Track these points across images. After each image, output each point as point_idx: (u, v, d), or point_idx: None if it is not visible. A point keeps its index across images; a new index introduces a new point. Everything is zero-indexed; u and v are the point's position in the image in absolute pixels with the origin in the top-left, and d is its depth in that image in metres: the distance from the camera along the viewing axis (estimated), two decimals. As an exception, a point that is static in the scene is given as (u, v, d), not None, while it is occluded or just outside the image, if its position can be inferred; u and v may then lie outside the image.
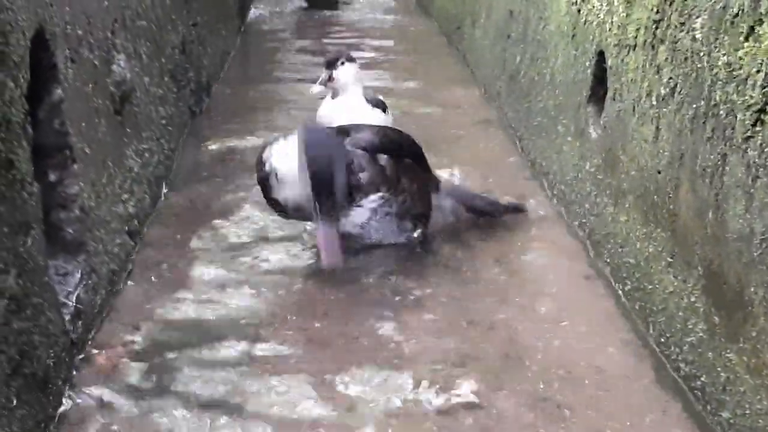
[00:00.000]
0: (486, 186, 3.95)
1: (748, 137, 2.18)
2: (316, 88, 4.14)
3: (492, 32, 5.29)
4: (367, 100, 4.13)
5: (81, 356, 2.66)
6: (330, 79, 4.09)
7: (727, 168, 2.30)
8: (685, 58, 2.57)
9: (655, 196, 2.79)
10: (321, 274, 3.23)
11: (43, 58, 2.58)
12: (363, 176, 3.15)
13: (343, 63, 4.08)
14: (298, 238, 3.51)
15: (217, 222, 3.65)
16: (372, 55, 6.48)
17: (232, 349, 2.79)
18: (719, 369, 2.34)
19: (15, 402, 2.13)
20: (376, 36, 7.06)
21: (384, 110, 4.16)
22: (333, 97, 4.11)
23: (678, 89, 2.63)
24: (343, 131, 3.24)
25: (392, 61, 6.28)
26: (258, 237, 3.55)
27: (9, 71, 2.23)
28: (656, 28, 2.80)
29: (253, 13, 7.58)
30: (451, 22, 6.65)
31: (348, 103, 4.04)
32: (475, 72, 5.71)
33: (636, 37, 2.96)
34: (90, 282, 2.78)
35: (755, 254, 2.15)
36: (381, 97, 4.29)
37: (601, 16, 3.31)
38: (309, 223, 3.34)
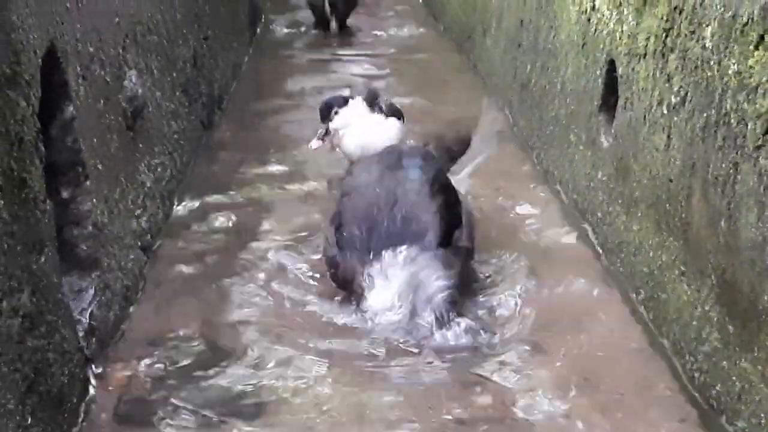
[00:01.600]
0: (498, 195, 3.94)
1: (760, 146, 2.18)
2: (315, 144, 4.07)
3: (503, 41, 5.29)
4: (382, 109, 4.10)
5: (96, 373, 2.66)
6: (326, 133, 4.03)
7: (739, 177, 2.29)
8: (696, 67, 2.57)
9: (667, 205, 2.79)
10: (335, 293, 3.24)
11: (54, 76, 2.60)
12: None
13: (336, 112, 4.01)
14: (314, 250, 3.52)
15: (230, 235, 3.66)
16: (383, 65, 6.48)
17: (245, 364, 2.79)
18: (734, 378, 2.33)
19: (30, 420, 2.13)
20: (386, 46, 7.06)
21: (399, 117, 4.15)
22: (334, 149, 4.09)
23: (689, 98, 2.62)
24: None
25: (403, 71, 6.28)
26: (272, 248, 3.54)
27: (21, 90, 2.25)
28: (666, 36, 2.79)
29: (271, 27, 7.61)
30: (463, 32, 6.65)
31: (361, 125, 4.03)
32: (486, 81, 5.71)
33: (646, 46, 2.95)
34: (104, 298, 2.79)
35: (768, 263, 2.14)
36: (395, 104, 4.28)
37: (611, 25, 3.31)
38: None
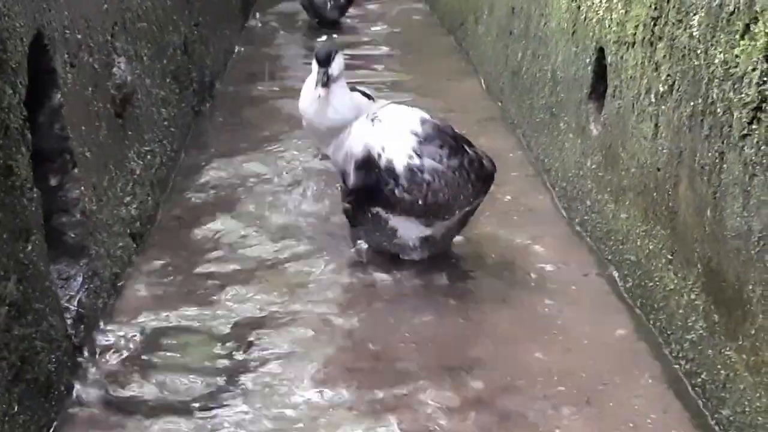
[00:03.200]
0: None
1: (745, 135, 2.19)
2: (322, 92, 4.05)
3: (494, 29, 5.29)
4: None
5: (83, 360, 2.67)
6: (328, 78, 3.96)
7: (725, 166, 2.30)
8: (683, 56, 2.57)
9: (655, 194, 2.79)
10: (332, 269, 3.28)
11: (42, 63, 2.59)
12: None
13: (334, 58, 3.94)
14: (300, 232, 3.52)
15: (220, 222, 3.66)
16: (375, 50, 6.47)
17: (235, 350, 2.80)
18: (719, 366, 2.34)
19: (17, 408, 2.14)
20: (379, 30, 7.06)
21: (370, 98, 4.13)
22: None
23: (676, 87, 2.63)
24: None
25: (395, 57, 6.27)
26: (261, 235, 3.55)
27: (7, 77, 2.24)
28: (654, 25, 2.80)
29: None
30: (455, 18, 6.64)
31: (336, 94, 4.01)
32: (478, 68, 5.71)
33: (635, 34, 2.96)
34: (92, 286, 2.80)
35: (753, 252, 2.15)
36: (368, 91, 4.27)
37: (601, 12, 3.31)
38: None
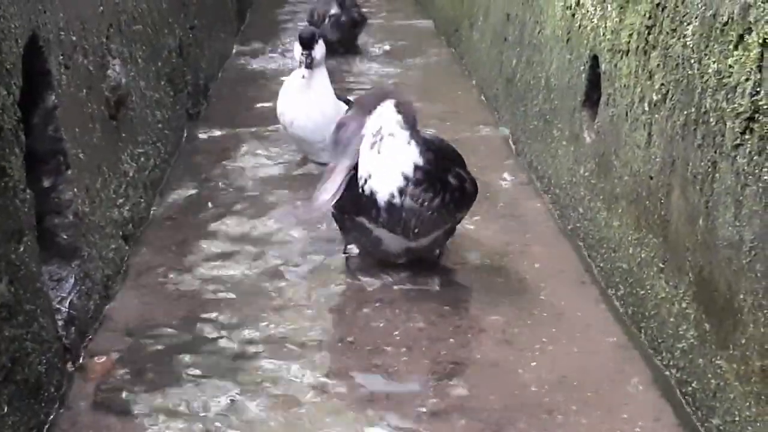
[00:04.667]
0: (481, 189, 3.94)
1: (738, 145, 2.19)
2: (306, 72, 4.09)
3: (489, 35, 5.29)
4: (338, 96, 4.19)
5: (74, 362, 2.66)
6: (311, 60, 4.06)
7: (717, 175, 2.30)
8: (677, 65, 2.58)
9: (647, 202, 2.80)
10: (322, 274, 3.28)
11: (36, 65, 2.59)
12: None
13: (317, 41, 4.08)
14: (297, 241, 3.53)
15: (213, 226, 3.66)
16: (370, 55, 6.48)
17: (226, 353, 2.80)
18: (710, 375, 2.34)
19: (6, 409, 2.14)
20: (374, 37, 7.05)
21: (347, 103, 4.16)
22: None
23: (670, 95, 2.63)
24: None
25: (390, 63, 6.28)
26: (254, 238, 3.55)
27: (1, 78, 2.25)
28: (648, 33, 2.80)
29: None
30: (450, 25, 6.65)
31: (316, 90, 4.09)
32: (472, 74, 5.72)
33: (629, 43, 2.96)
34: (84, 287, 2.79)
35: (744, 262, 2.16)
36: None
37: (595, 20, 3.31)
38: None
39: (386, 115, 3.09)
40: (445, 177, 3.09)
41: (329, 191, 2.99)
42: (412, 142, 3.06)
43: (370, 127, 3.07)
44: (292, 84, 4.18)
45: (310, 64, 4.04)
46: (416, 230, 3.07)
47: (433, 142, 3.16)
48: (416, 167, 3.04)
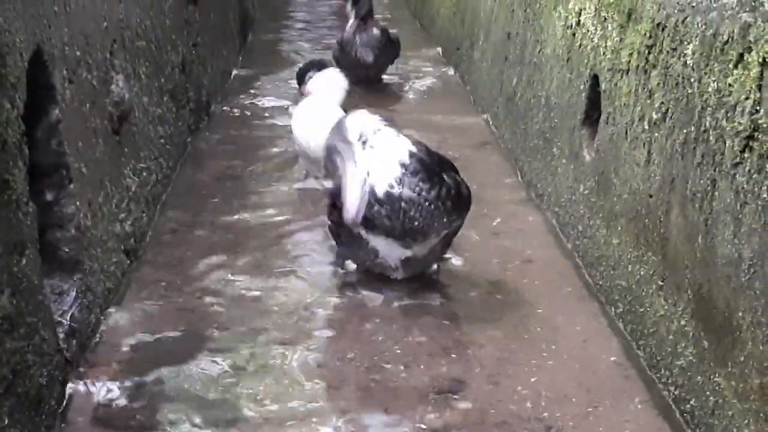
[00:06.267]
0: (481, 206, 3.96)
1: (737, 163, 2.21)
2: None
3: (490, 54, 5.32)
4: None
5: (75, 375, 2.67)
6: (301, 93, 4.34)
7: (717, 193, 2.32)
8: (677, 84, 2.60)
9: (647, 220, 2.81)
10: (322, 289, 3.30)
11: (40, 79, 2.61)
12: None
13: (311, 77, 4.27)
14: (297, 256, 3.54)
15: (215, 241, 3.67)
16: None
17: (226, 368, 2.80)
18: (708, 393, 2.35)
19: (7, 421, 2.14)
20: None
21: None
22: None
23: (669, 114, 2.65)
24: None
25: (391, 82, 6.30)
26: (254, 253, 3.56)
27: (6, 92, 2.26)
28: (648, 53, 2.82)
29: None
30: (451, 44, 6.68)
31: (320, 106, 4.14)
32: (473, 93, 5.74)
33: (629, 62, 2.98)
34: (85, 301, 2.80)
35: (743, 280, 2.17)
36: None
37: (596, 40, 3.34)
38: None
39: (361, 119, 3.19)
40: (440, 171, 3.11)
41: (353, 206, 3.06)
42: (401, 135, 3.14)
43: (352, 136, 3.13)
44: (305, 108, 4.24)
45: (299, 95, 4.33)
46: (416, 224, 3.07)
47: (426, 147, 3.19)
48: (411, 154, 3.08)
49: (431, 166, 3.09)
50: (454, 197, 3.12)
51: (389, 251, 3.17)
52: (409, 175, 3.06)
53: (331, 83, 4.27)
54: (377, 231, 3.11)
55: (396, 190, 3.05)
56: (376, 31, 5.85)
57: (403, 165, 3.06)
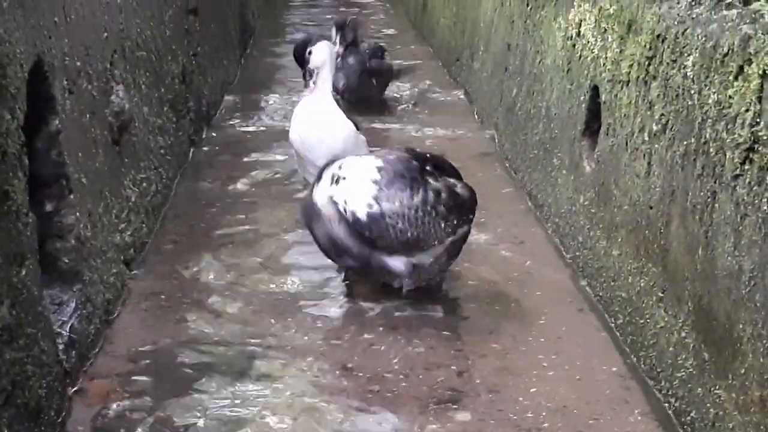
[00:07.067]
0: (481, 217, 3.96)
1: (737, 175, 2.21)
2: (309, 92, 4.01)
3: (490, 64, 5.32)
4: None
5: (74, 386, 2.67)
6: (310, 75, 3.95)
7: (717, 205, 2.32)
8: (677, 95, 2.60)
9: (647, 231, 2.81)
10: (323, 299, 3.31)
11: (41, 89, 2.61)
12: None
13: (310, 52, 3.93)
14: (297, 267, 3.54)
15: (215, 251, 3.67)
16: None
17: (226, 378, 2.80)
18: (708, 405, 2.35)
19: (6, 432, 2.14)
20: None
21: (357, 128, 4.12)
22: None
23: (669, 126, 2.65)
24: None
25: (391, 95, 6.30)
26: (253, 265, 3.56)
27: (6, 103, 2.25)
28: (649, 64, 2.82)
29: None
30: (451, 54, 6.69)
31: (320, 107, 3.97)
32: (473, 104, 5.74)
33: (629, 73, 2.98)
34: (85, 311, 2.80)
35: (744, 292, 2.16)
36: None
37: (596, 51, 3.34)
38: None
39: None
40: (421, 177, 3.09)
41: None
42: (365, 155, 3.16)
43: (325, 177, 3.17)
44: (302, 107, 4.10)
45: (309, 82, 3.95)
46: (409, 234, 3.07)
47: (407, 156, 3.17)
48: (380, 168, 3.08)
49: (408, 174, 3.08)
50: (448, 200, 3.10)
51: (395, 262, 3.15)
52: (384, 189, 3.05)
53: (332, 53, 4.04)
54: (379, 251, 3.12)
55: (376, 209, 3.05)
56: (352, 60, 5.61)
57: (375, 182, 3.06)
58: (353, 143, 3.92)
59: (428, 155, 3.24)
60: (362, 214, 3.06)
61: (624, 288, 2.98)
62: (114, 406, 2.64)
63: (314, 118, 3.92)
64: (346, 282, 3.40)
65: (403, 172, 3.08)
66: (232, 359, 2.91)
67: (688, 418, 2.46)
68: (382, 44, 6.10)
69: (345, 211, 3.07)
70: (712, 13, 2.45)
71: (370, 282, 3.34)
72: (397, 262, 3.16)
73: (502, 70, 4.95)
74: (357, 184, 3.09)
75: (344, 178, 3.12)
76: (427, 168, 3.15)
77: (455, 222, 3.14)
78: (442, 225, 3.11)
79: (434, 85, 6.46)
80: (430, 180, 3.11)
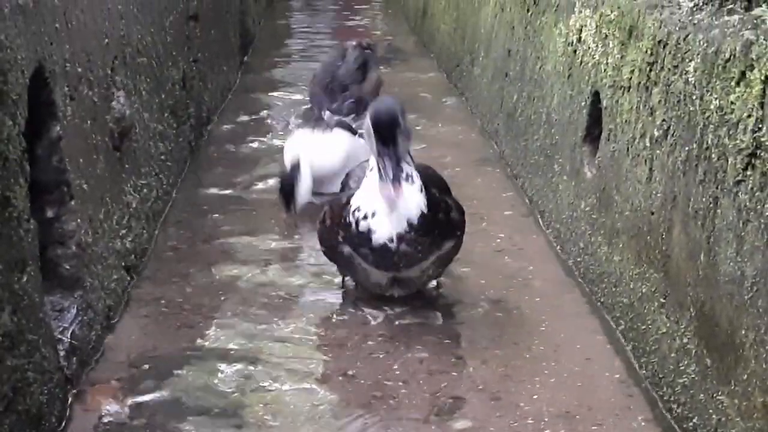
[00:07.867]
0: (481, 223, 3.96)
1: (739, 181, 2.20)
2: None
3: (490, 70, 5.32)
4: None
5: (75, 392, 2.66)
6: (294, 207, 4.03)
7: (719, 211, 2.31)
8: (678, 101, 2.60)
9: (649, 237, 2.81)
10: (324, 307, 3.31)
11: (42, 96, 2.61)
12: None
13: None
14: (297, 274, 3.54)
15: (215, 257, 3.67)
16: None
17: (227, 384, 2.80)
18: (711, 411, 2.34)
19: (7, 439, 2.13)
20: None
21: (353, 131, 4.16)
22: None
23: (671, 131, 2.65)
24: None
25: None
26: (254, 270, 3.56)
27: (7, 109, 2.26)
28: (650, 70, 2.82)
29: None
30: (451, 60, 6.69)
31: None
32: (473, 110, 5.74)
33: (630, 79, 2.98)
34: (86, 318, 2.80)
35: (746, 297, 2.16)
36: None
37: (597, 57, 3.34)
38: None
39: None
40: (437, 216, 3.05)
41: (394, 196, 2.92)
42: (423, 189, 3.01)
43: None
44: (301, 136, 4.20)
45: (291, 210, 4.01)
46: (401, 266, 3.07)
47: (421, 174, 3.10)
48: (422, 215, 2.98)
49: (434, 220, 3.02)
50: (444, 227, 3.09)
51: (380, 274, 3.15)
52: (414, 234, 2.98)
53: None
54: (366, 263, 3.11)
55: (393, 246, 3.00)
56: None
57: (410, 225, 2.98)
58: (353, 152, 4.01)
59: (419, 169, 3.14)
60: (377, 241, 3.00)
61: (626, 294, 2.98)
62: (115, 412, 2.64)
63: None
64: (344, 289, 3.40)
65: (432, 221, 3.03)
66: (234, 365, 2.90)
67: (691, 424, 2.46)
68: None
69: (364, 217, 3.00)
70: (714, 18, 2.45)
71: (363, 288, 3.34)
72: (381, 276, 3.16)
73: (503, 75, 4.94)
74: (396, 213, 2.98)
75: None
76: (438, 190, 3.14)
77: (438, 241, 3.09)
78: (429, 245, 3.07)
79: (434, 91, 6.46)
80: (440, 215, 3.07)
